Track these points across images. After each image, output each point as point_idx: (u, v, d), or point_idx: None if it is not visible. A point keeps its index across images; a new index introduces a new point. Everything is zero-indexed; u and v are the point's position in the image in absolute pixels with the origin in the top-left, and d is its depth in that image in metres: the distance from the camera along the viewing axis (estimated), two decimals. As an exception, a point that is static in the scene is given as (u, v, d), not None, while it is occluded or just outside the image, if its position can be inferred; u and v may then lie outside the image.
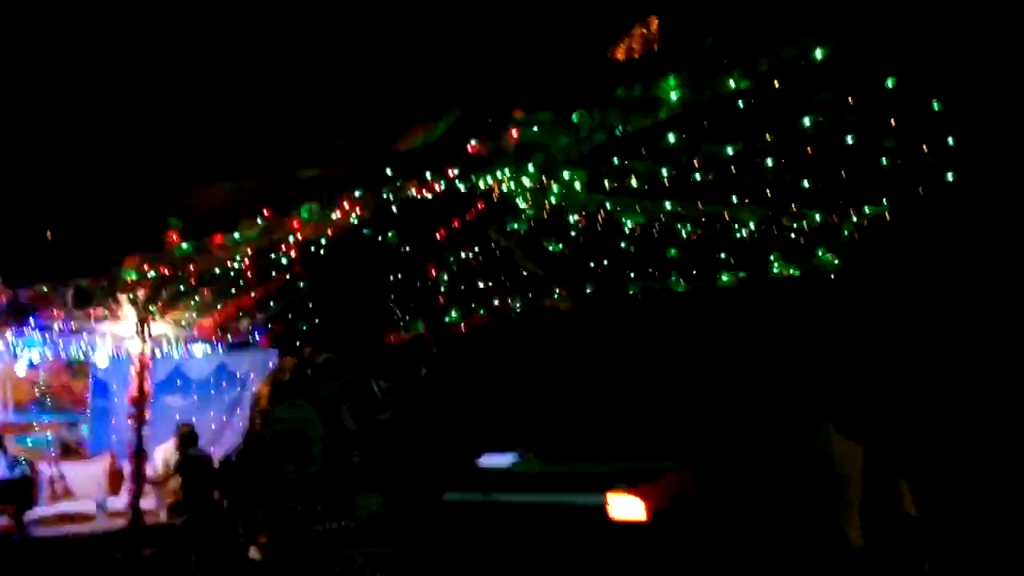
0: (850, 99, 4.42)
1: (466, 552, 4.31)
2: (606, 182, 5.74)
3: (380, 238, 7.40)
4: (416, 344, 8.36)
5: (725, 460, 6.21)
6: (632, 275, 7.84)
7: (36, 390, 10.33)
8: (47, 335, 8.41)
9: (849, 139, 5.06)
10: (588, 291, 8.26)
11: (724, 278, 7.80)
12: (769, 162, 5.46)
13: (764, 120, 4.80)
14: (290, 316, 9.29)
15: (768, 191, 6.12)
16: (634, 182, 5.70)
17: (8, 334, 8.00)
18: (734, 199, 6.21)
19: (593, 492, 4.10)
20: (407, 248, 7.67)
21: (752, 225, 6.78)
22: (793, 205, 6.32)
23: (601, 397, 7.94)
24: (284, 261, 7.11)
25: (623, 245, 7.31)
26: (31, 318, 6.80)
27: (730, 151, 5.17)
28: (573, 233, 7.20)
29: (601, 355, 8.31)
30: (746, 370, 7.65)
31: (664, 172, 5.26)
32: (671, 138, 4.53)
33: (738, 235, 7.07)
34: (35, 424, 10.26)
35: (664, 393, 7.70)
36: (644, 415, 7.47)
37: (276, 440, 2.16)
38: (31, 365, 9.83)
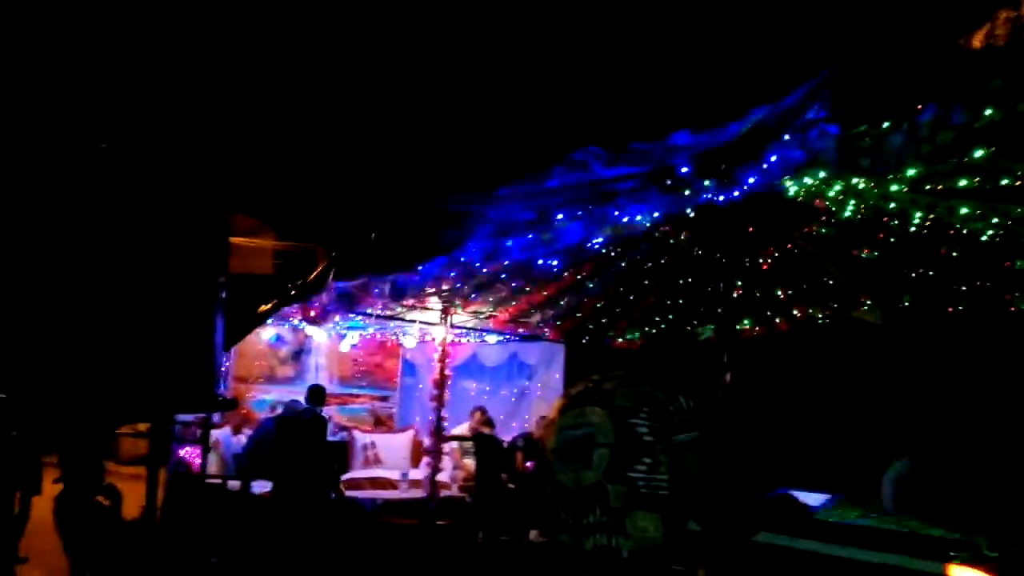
0: None
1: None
2: (939, 184, 4.98)
3: (672, 240, 7.19)
4: (704, 351, 8.02)
5: None
6: (964, 288, 6.73)
7: (356, 366, 11.62)
8: (366, 320, 9.39)
9: None
10: (905, 303, 7.28)
11: None
12: None
13: None
14: (578, 315, 9.43)
15: None
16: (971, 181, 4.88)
17: (336, 318, 9.04)
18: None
19: (932, 559, 3.52)
20: (700, 251, 7.37)
21: None
22: None
23: (936, 435, 6.85)
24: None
25: (955, 254, 6.32)
26: (355, 306, 7.61)
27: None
28: (892, 239, 6.37)
29: (935, 381, 7.18)
30: None
31: (1019, 172, 4.42)
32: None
33: None
34: (355, 395, 11.56)
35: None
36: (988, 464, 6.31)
37: (560, 448, 2.08)
38: (353, 346, 11.11)
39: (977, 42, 3.07)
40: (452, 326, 9.19)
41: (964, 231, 5.73)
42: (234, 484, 8.50)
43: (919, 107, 3.42)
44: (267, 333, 10.68)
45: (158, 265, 3.72)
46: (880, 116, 3.56)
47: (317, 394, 8.38)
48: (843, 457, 6.71)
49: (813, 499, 4.89)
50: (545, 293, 8.29)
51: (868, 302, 7.89)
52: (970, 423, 6.92)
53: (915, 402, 7.28)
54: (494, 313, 9.16)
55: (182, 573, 7.23)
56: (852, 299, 8.00)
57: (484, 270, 6.64)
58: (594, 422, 2.22)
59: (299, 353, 11.07)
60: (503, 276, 7.09)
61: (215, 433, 9.11)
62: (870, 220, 6.00)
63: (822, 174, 4.48)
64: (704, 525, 2.23)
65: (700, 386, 2.33)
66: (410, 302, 8.29)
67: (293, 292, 6.27)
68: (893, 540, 3.83)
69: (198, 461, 8.57)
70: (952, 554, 3.50)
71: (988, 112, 3.51)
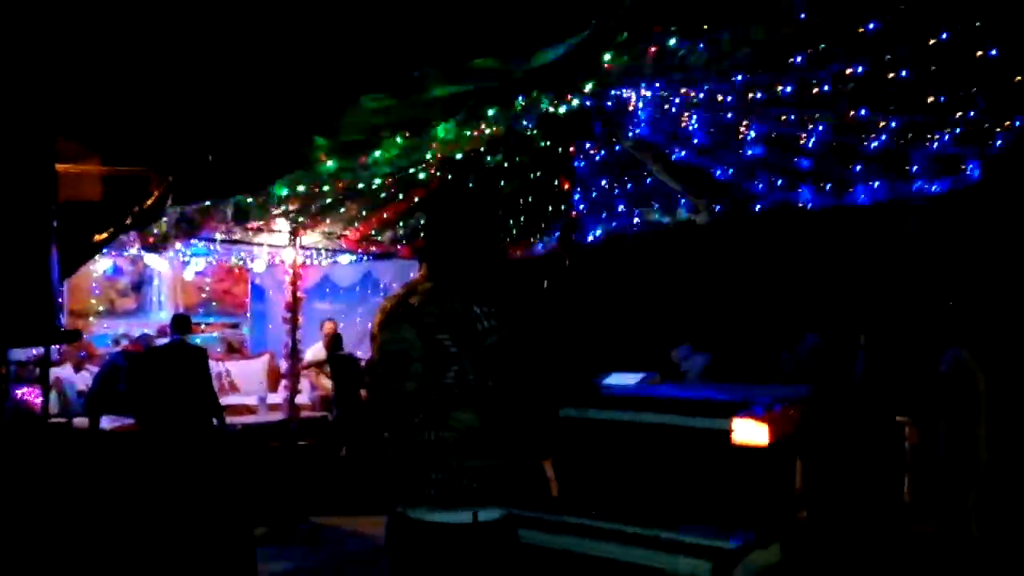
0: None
1: (576, 467, 4.46)
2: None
3: (516, 158, 7.46)
4: (549, 259, 8.43)
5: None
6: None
7: (202, 294, 11.28)
8: (210, 245, 9.12)
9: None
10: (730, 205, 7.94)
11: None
12: None
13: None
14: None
15: None
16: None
17: (177, 245, 8.71)
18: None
19: (719, 417, 4.09)
20: (540, 172, 7.68)
21: None
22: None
23: (734, 320, 7.69)
24: (422, 176, 7.35)
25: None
26: (197, 231, 7.38)
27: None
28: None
29: (736, 276, 7.96)
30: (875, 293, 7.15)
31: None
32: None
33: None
34: (202, 325, 11.22)
35: (799, 317, 7.33)
36: (773, 340, 7.18)
37: (382, 361, 2.42)
38: (198, 273, 10.75)
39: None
40: (302, 247, 9.10)
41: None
42: (79, 422, 8.21)
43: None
44: (103, 265, 10.14)
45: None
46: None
47: (183, 323, 8.08)
48: (663, 345, 7.39)
49: (631, 378, 5.38)
50: (386, 215, 8.40)
51: (698, 205, 8.53)
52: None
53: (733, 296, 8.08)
54: (344, 233, 9.15)
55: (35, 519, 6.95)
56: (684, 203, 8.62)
57: (327, 189, 6.65)
58: (407, 338, 2.57)
59: (140, 284, 10.62)
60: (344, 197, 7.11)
61: (55, 371, 8.69)
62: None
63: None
64: (516, 411, 2.69)
65: (509, 294, 2.71)
66: (256, 224, 8.14)
67: (129, 220, 6.03)
68: (684, 405, 4.37)
69: (38, 402, 8.16)
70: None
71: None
